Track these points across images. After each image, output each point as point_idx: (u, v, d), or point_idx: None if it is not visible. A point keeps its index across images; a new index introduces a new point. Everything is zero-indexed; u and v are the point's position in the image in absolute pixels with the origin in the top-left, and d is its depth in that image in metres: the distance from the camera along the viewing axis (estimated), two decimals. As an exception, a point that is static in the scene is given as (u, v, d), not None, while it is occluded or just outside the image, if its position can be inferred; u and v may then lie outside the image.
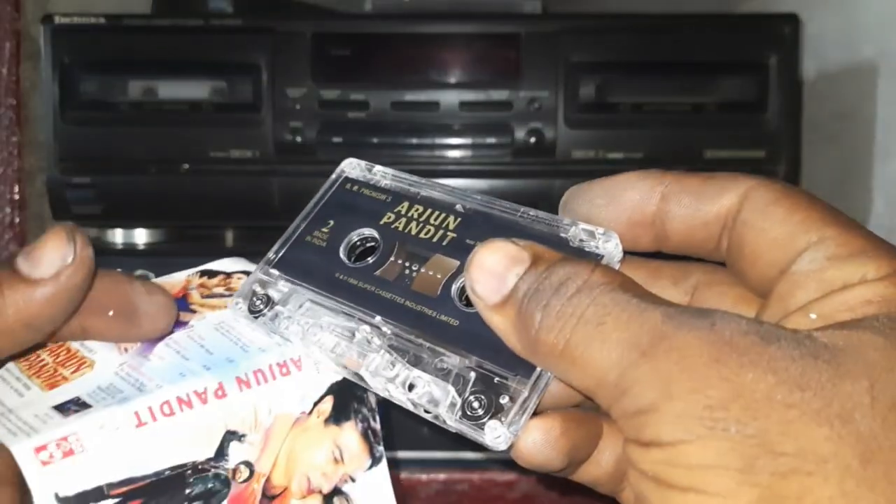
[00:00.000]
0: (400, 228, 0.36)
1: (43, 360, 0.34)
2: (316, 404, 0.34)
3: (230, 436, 0.32)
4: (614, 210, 0.31)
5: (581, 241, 0.31)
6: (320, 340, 0.33)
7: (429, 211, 0.36)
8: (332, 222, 0.37)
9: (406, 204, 0.36)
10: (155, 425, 0.30)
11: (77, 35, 0.71)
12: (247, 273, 0.38)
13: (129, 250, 0.74)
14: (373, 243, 0.36)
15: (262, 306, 0.35)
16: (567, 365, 0.26)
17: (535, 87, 0.71)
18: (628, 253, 0.32)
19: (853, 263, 0.26)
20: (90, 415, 0.30)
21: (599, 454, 0.31)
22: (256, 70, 0.71)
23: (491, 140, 0.71)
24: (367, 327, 0.33)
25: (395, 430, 0.51)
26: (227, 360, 0.33)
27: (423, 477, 0.65)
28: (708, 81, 0.72)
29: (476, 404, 0.30)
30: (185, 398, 0.31)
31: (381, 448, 0.35)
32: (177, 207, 0.73)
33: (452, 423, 0.30)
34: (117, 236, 0.76)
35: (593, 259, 0.30)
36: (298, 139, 0.71)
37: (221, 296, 0.37)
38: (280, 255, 0.37)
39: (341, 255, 0.36)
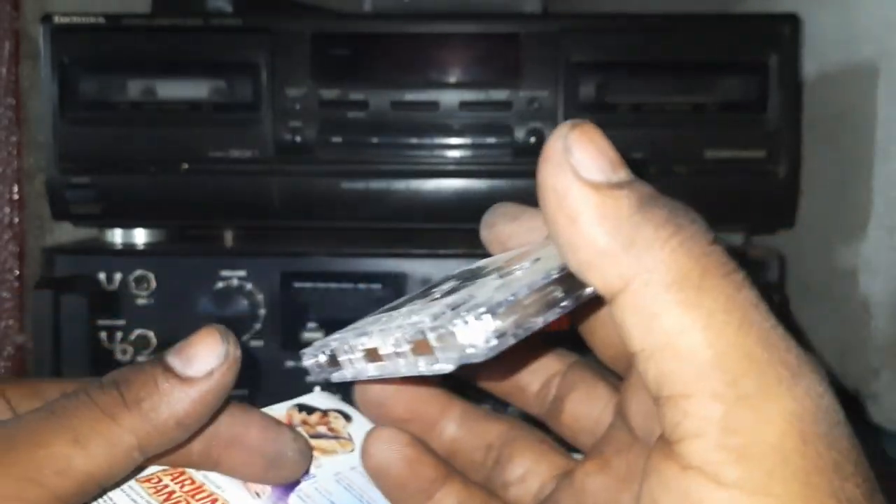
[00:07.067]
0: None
1: (167, 485, 0.32)
2: None
3: None
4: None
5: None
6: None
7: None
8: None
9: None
10: None
11: (76, 35, 0.71)
12: (341, 412, 0.37)
13: (129, 250, 0.74)
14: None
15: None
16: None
17: (534, 86, 0.71)
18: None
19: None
20: None
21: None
22: (256, 70, 0.71)
23: (491, 140, 0.71)
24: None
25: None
26: None
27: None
28: (708, 81, 0.72)
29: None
30: None
31: None
32: (176, 207, 0.72)
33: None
34: (117, 236, 0.76)
35: None
36: (298, 139, 0.70)
37: (324, 436, 0.36)
38: None
39: None
